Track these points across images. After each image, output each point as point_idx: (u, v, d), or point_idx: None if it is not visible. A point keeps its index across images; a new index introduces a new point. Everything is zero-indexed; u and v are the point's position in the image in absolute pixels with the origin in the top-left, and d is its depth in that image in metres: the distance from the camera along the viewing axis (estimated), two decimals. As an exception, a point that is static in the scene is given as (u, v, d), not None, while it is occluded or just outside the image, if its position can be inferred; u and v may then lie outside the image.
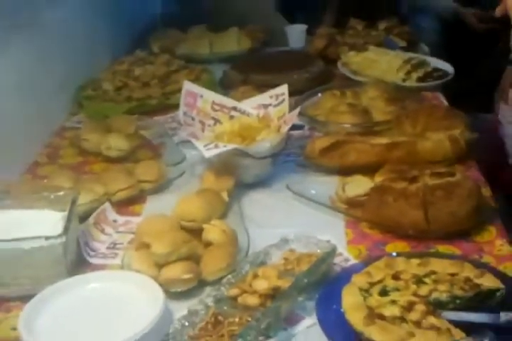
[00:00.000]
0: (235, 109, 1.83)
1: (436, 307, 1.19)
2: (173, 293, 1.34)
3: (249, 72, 2.40)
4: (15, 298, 1.37)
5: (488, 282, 1.24)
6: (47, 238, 1.36)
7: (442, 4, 3.41)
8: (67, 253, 1.39)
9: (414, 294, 1.22)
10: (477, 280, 1.24)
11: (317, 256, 1.36)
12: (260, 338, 1.20)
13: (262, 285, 1.27)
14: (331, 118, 2.01)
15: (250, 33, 2.86)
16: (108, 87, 2.34)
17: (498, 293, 1.24)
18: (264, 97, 1.84)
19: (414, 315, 1.16)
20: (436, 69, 2.38)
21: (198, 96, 1.84)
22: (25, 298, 1.31)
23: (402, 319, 1.16)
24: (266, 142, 1.70)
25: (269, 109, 1.81)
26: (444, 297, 1.22)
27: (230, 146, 1.65)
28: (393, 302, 1.20)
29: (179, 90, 1.90)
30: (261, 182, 1.76)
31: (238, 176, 1.71)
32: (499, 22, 1.92)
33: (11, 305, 1.37)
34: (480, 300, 1.23)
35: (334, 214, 1.60)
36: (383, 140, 1.78)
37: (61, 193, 1.54)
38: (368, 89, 2.15)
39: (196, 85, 1.89)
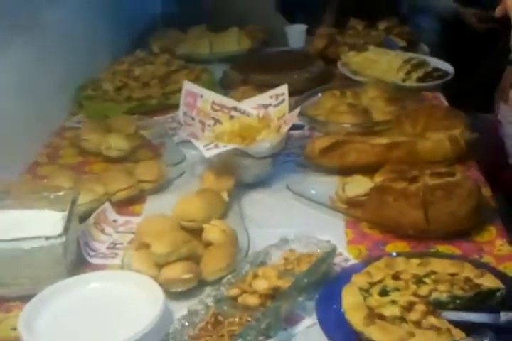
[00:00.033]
0: (235, 109, 1.84)
1: (436, 307, 1.19)
2: (173, 293, 1.34)
3: (249, 72, 2.40)
4: (15, 298, 1.37)
5: (488, 282, 1.24)
6: (47, 238, 1.36)
7: (442, 4, 3.42)
8: (67, 253, 1.39)
9: (414, 294, 1.22)
10: (477, 280, 1.24)
11: (317, 256, 1.36)
12: (260, 338, 1.20)
13: (262, 285, 1.27)
14: (331, 118, 2.01)
15: (250, 33, 2.86)
16: (108, 87, 2.34)
17: (498, 293, 1.24)
18: (264, 97, 1.84)
19: (414, 315, 1.16)
20: (436, 69, 2.38)
21: (198, 96, 1.84)
22: (25, 298, 1.31)
23: (402, 319, 1.16)
24: (266, 142, 1.70)
25: (269, 109, 1.81)
26: (444, 297, 1.22)
27: (230, 146, 1.65)
28: (393, 302, 1.20)
29: (179, 90, 1.90)
30: (261, 182, 1.76)
31: (238, 176, 1.71)
32: (499, 22, 1.92)
33: (11, 305, 1.37)
34: (480, 300, 1.23)
35: (334, 214, 1.60)
36: (383, 140, 1.78)
37: (61, 193, 1.54)
38: (368, 89, 2.15)
39: (196, 85, 1.89)
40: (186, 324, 1.21)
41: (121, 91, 2.32)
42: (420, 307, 1.18)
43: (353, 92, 2.16)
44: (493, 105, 2.64)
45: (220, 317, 1.22)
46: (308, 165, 1.82)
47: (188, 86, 1.86)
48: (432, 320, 1.15)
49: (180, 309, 1.28)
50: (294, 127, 1.80)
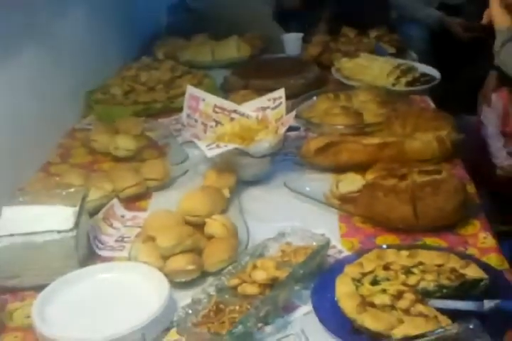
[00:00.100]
0: (235, 111, 1.83)
1: (424, 295, 1.19)
2: (178, 283, 1.34)
3: (248, 77, 2.40)
4: (29, 288, 1.38)
5: (473, 272, 1.24)
6: (59, 232, 1.36)
7: (428, 14, 3.41)
8: (78, 245, 1.39)
9: (404, 283, 1.22)
10: (462, 271, 1.25)
11: (312, 249, 1.36)
12: (259, 325, 1.21)
13: (260, 275, 1.26)
14: (325, 120, 2.01)
15: (249, 41, 2.86)
16: (116, 91, 2.33)
17: (481, 283, 1.24)
18: (263, 101, 1.84)
19: (403, 303, 1.16)
20: (423, 75, 2.38)
21: (200, 100, 1.83)
22: (39, 288, 1.32)
23: (392, 307, 1.17)
24: (264, 142, 1.70)
25: (267, 112, 1.80)
26: (431, 286, 1.22)
27: (231, 146, 1.65)
28: (384, 291, 1.21)
29: (183, 94, 1.90)
30: (260, 180, 1.76)
31: (238, 174, 1.71)
32: (483, 31, 1.92)
33: (25, 294, 1.38)
34: (465, 289, 1.23)
35: (328, 209, 1.60)
36: (374, 140, 1.77)
37: (72, 190, 1.55)
38: (360, 93, 2.15)
39: (199, 89, 1.88)
40: (190, 312, 1.21)
41: (129, 95, 2.32)
42: (409, 296, 1.18)
43: (346, 96, 2.15)
44: (476, 107, 2.64)
45: (221, 306, 1.22)
46: (304, 163, 1.82)
47: (191, 90, 1.85)
48: (420, 307, 1.15)
49: (184, 298, 1.28)
50: (290, 128, 1.80)
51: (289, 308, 1.27)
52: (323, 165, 1.78)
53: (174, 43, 2.92)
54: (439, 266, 1.27)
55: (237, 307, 1.20)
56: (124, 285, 1.33)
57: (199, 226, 1.49)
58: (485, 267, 1.28)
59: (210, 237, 1.46)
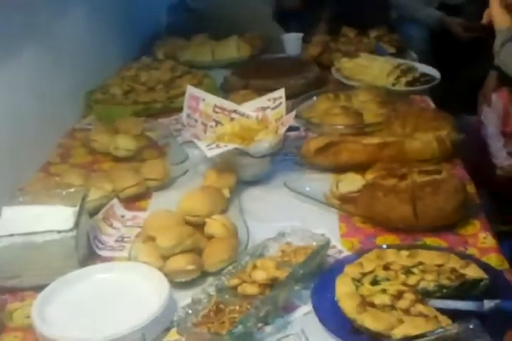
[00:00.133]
0: (235, 111, 1.83)
1: (424, 295, 1.19)
2: (178, 282, 1.34)
3: (248, 77, 2.40)
4: (28, 288, 1.37)
5: (473, 272, 1.24)
6: (59, 232, 1.36)
7: (428, 14, 3.41)
8: (78, 245, 1.39)
9: (404, 283, 1.22)
10: (462, 271, 1.25)
11: (312, 249, 1.36)
12: (259, 325, 1.21)
13: (260, 275, 1.26)
14: (325, 120, 2.01)
15: (249, 41, 2.86)
16: (116, 91, 2.33)
17: (481, 283, 1.24)
18: (263, 100, 1.84)
19: (403, 303, 1.16)
20: (423, 75, 2.38)
21: (200, 100, 1.83)
22: (38, 288, 1.32)
23: (392, 307, 1.17)
24: (264, 142, 1.70)
25: (267, 112, 1.81)
26: (431, 286, 1.22)
27: (231, 146, 1.65)
28: (384, 291, 1.21)
29: (183, 94, 1.90)
30: (260, 180, 1.76)
31: (238, 174, 1.71)
32: (483, 31, 1.92)
33: (25, 295, 1.38)
34: (465, 289, 1.23)
35: (328, 209, 1.60)
36: (374, 140, 1.77)
37: (72, 190, 1.55)
38: (360, 93, 2.15)
39: (199, 89, 1.88)
40: (190, 312, 1.21)
41: (129, 95, 2.32)
42: (409, 296, 1.18)
43: (346, 96, 2.16)
44: (476, 107, 2.64)
45: (221, 306, 1.22)
46: (304, 163, 1.82)
47: (191, 90, 1.85)
48: (420, 307, 1.15)
49: (184, 298, 1.28)
50: (290, 128, 1.80)
51: (289, 308, 1.27)
52: (323, 165, 1.78)
53: (174, 43, 2.92)
54: (439, 266, 1.27)
55: (237, 307, 1.20)
56: (124, 285, 1.33)
57: (199, 226, 1.49)
58: (485, 267, 1.28)
59: (210, 237, 1.46)
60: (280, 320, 1.24)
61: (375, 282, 1.24)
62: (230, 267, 1.32)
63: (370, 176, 1.63)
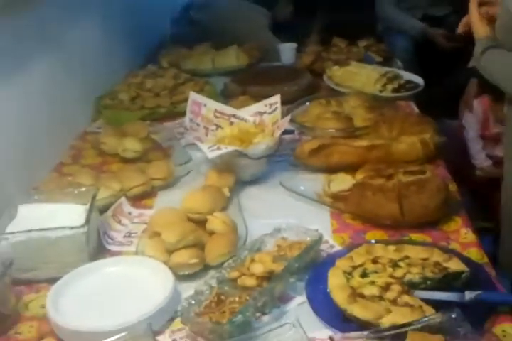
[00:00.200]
0: (234, 116, 1.83)
1: (409, 287, 1.20)
2: (182, 275, 1.34)
3: (246, 84, 2.39)
4: (43, 280, 1.37)
5: (455, 265, 1.25)
6: (71, 228, 1.36)
7: (412, 25, 3.41)
8: (88, 241, 1.39)
9: (391, 276, 1.22)
10: (445, 264, 1.25)
11: (306, 244, 1.36)
12: (257, 314, 1.21)
13: (258, 268, 1.26)
14: (318, 124, 2.00)
15: (247, 51, 2.85)
16: (124, 97, 2.33)
17: (463, 275, 1.24)
18: (260, 106, 1.83)
19: (390, 294, 1.17)
20: (408, 82, 2.37)
21: (202, 105, 1.83)
22: (52, 280, 1.32)
23: (380, 297, 1.17)
24: (261, 144, 1.70)
25: (264, 116, 1.80)
26: (416, 278, 1.22)
27: (231, 148, 1.65)
28: (372, 283, 1.21)
29: (185, 100, 1.89)
30: (257, 180, 1.76)
31: (238, 174, 1.71)
32: (464, 41, 1.92)
33: (40, 286, 1.37)
34: (448, 281, 1.23)
35: (321, 207, 1.60)
36: (363, 143, 1.77)
37: (83, 189, 1.54)
38: (350, 99, 2.15)
39: (200, 96, 1.88)
40: (193, 302, 1.21)
41: (135, 101, 2.31)
42: (396, 288, 1.18)
43: (337, 101, 2.15)
44: (457, 113, 2.65)
45: (222, 297, 1.21)
46: (298, 164, 1.81)
47: (193, 96, 1.85)
48: (406, 298, 1.16)
49: (188, 289, 1.28)
50: (285, 132, 1.80)
51: (284, 299, 1.27)
52: (316, 166, 1.78)
53: (178, 52, 2.91)
54: (424, 259, 1.27)
55: (237, 298, 1.20)
56: (132, 277, 1.32)
57: (201, 223, 1.49)
58: (466, 261, 1.28)
59: (211, 233, 1.45)
60: (276, 310, 1.24)
61: (364, 274, 1.24)
62: (230, 261, 1.32)
63: (359, 176, 1.63)
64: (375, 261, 1.27)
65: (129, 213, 1.64)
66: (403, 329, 1.05)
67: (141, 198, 1.71)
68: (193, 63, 2.77)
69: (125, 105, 2.29)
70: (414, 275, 1.22)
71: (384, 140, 1.78)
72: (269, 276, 1.26)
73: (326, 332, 1.15)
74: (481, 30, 1.47)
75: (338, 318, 1.18)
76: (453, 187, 1.64)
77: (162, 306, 1.20)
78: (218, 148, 1.63)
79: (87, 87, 2.27)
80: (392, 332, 1.05)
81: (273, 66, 2.77)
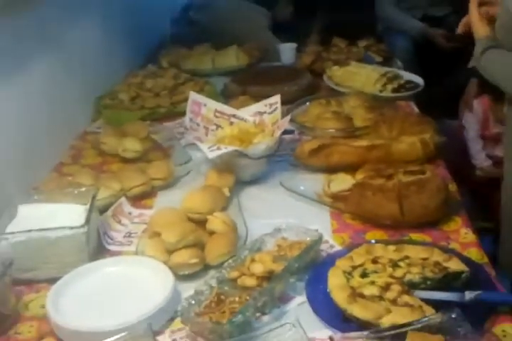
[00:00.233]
0: (234, 116, 1.83)
1: (409, 287, 1.20)
2: (182, 275, 1.34)
3: (246, 84, 2.39)
4: (43, 280, 1.37)
5: (455, 265, 1.25)
6: (71, 228, 1.36)
7: (412, 25, 3.42)
8: (88, 241, 1.39)
9: (391, 276, 1.22)
10: (445, 264, 1.25)
11: (306, 244, 1.36)
12: (257, 314, 1.21)
13: (258, 268, 1.26)
14: (318, 124, 2.00)
15: (247, 51, 2.85)
16: (124, 97, 2.33)
17: (463, 275, 1.24)
18: (260, 106, 1.83)
19: (390, 294, 1.16)
20: (408, 82, 2.37)
21: (202, 105, 1.83)
22: (52, 280, 1.32)
23: (380, 297, 1.17)
24: (261, 144, 1.70)
25: (264, 116, 1.80)
26: (416, 278, 1.22)
27: (231, 148, 1.65)
28: (372, 283, 1.21)
29: (185, 100, 1.89)
30: (257, 180, 1.76)
31: (238, 174, 1.70)
32: (464, 41, 1.92)
33: (40, 286, 1.37)
34: (448, 281, 1.23)
35: (321, 207, 1.60)
36: (363, 143, 1.77)
37: (83, 189, 1.54)
38: (350, 99, 2.15)
39: (200, 95, 1.88)
40: (193, 302, 1.20)
41: (135, 101, 2.31)
42: (396, 288, 1.18)
43: (337, 101, 2.15)
44: (457, 113, 2.65)
45: (222, 297, 1.21)
46: (298, 164, 1.81)
47: (193, 96, 1.85)
48: (406, 298, 1.15)
49: (188, 289, 1.28)
50: (285, 132, 1.80)
51: (284, 299, 1.27)
52: (315, 166, 1.78)
53: (177, 53, 2.91)
54: (424, 259, 1.27)
55: (237, 298, 1.20)
56: (132, 277, 1.32)
57: (201, 223, 1.49)
58: (466, 261, 1.28)
59: (211, 233, 1.45)
60: (276, 310, 1.24)
61: (364, 274, 1.23)
62: (230, 261, 1.32)
63: (359, 176, 1.63)
64: (375, 261, 1.27)
65: (129, 213, 1.64)
66: (403, 329, 1.05)
67: (141, 198, 1.71)
68: (193, 63, 2.77)
69: (125, 105, 2.29)
70: (414, 275, 1.22)
71: (384, 140, 1.78)
72: (269, 276, 1.26)
73: (326, 332, 1.15)
74: (481, 30, 1.47)
75: (338, 318, 1.18)
76: (453, 187, 1.64)
77: (162, 306, 1.20)
78: (218, 148, 1.63)
79: (87, 86, 2.27)
80: (392, 332, 1.05)
81: (273, 66, 2.77)
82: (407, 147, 1.75)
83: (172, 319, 1.24)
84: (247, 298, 1.20)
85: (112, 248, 1.49)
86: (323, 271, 1.28)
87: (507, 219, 1.55)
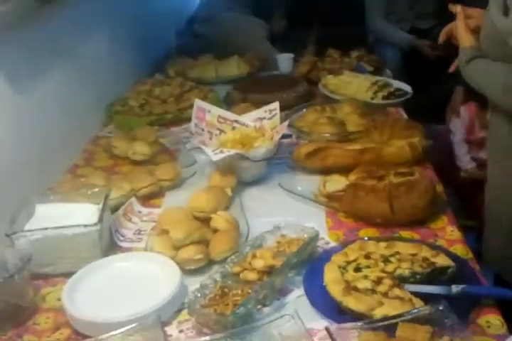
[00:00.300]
0: (236, 121, 1.83)
1: (400, 281, 1.20)
2: (188, 270, 1.34)
3: (247, 92, 2.39)
4: (59, 275, 1.38)
5: (442, 261, 1.25)
6: (85, 226, 1.36)
7: (401, 37, 3.42)
8: (101, 238, 1.39)
9: (382, 270, 1.22)
10: (433, 259, 1.25)
11: (304, 240, 1.36)
12: (258, 306, 1.21)
13: (259, 263, 1.26)
14: (314, 128, 2.00)
15: (248, 61, 2.85)
16: (133, 103, 2.33)
17: (449, 270, 1.24)
18: (260, 112, 1.83)
19: (382, 288, 1.17)
20: (398, 90, 2.37)
21: (206, 111, 1.83)
22: (68, 275, 1.32)
23: (373, 291, 1.17)
24: (262, 148, 1.70)
25: (263, 122, 1.80)
26: (406, 273, 1.22)
27: (233, 151, 1.65)
28: (365, 277, 1.21)
29: (191, 106, 1.89)
30: (258, 181, 1.76)
31: (239, 176, 1.70)
32: (447, 50, 1.91)
33: (56, 280, 1.37)
34: (435, 275, 1.23)
35: (317, 206, 1.60)
36: (356, 146, 1.77)
37: (96, 190, 1.54)
38: (343, 106, 2.14)
39: (205, 102, 1.88)
40: (199, 295, 1.20)
41: (144, 107, 2.31)
42: (387, 281, 1.18)
43: (331, 108, 2.15)
44: (443, 118, 2.65)
45: (225, 290, 1.21)
46: (296, 166, 1.81)
47: (198, 103, 1.85)
48: (397, 291, 1.16)
49: (194, 283, 1.28)
50: (284, 136, 1.79)
51: (284, 292, 1.27)
52: (312, 168, 1.78)
53: (183, 62, 2.91)
54: (413, 255, 1.27)
55: (240, 291, 1.20)
56: (142, 272, 1.32)
57: (206, 221, 1.49)
58: (452, 256, 1.28)
59: (215, 230, 1.45)
60: (276, 302, 1.24)
61: (358, 269, 1.24)
62: (232, 256, 1.32)
63: (352, 177, 1.63)
64: (367, 257, 1.27)
65: (139, 212, 1.64)
66: (394, 321, 1.05)
67: (150, 198, 1.71)
68: (198, 72, 2.77)
69: (134, 111, 2.29)
70: (404, 270, 1.22)
71: (375, 144, 1.78)
72: (269, 271, 1.26)
73: (323, 323, 1.15)
74: (467, 40, 1.47)
75: (333, 310, 1.18)
76: (440, 187, 1.64)
77: (170, 299, 1.21)
78: (221, 151, 1.63)
79: (99, 94, 2.27)
80: (385, 323, 1.05)
81: (272, 75, 2.77)
82: (397, 150, 1.75)
83: (179, 311, 1.24)
84: (249, 291, 1.20)
85: (123, 244, 1.49)
86: (319, 265, 1.28)
87: (490, 219, 1.55)
